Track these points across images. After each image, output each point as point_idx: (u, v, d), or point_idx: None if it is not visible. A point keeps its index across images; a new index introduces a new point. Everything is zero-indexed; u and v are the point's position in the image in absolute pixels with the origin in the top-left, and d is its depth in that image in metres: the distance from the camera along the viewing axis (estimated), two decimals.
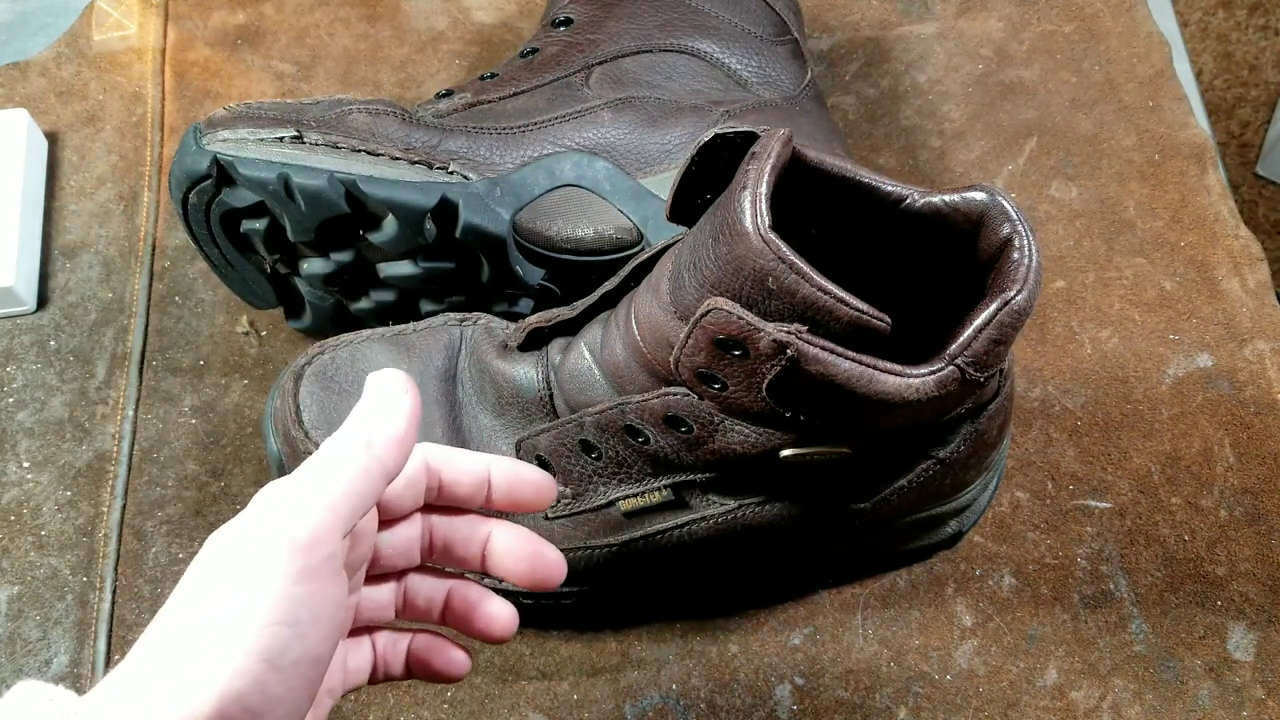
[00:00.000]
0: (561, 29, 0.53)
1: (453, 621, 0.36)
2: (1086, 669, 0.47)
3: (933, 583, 0.49)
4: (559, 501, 0.43)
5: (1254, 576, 0.48)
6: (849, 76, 0.63)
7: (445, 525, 0.36)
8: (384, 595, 0.36)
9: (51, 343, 0.55)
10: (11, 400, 0.54)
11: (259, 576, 0.27)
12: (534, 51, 0.53)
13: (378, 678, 0.36)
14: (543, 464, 0.43)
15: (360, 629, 0.36)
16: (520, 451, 0.43)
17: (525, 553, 0.35)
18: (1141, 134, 0.60)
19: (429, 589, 0.36)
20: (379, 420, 0.31)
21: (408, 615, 0.36)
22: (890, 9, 0.65)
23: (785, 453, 0.38)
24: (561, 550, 0.43)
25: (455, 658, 0.36)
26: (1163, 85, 0.62)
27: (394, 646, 0.36)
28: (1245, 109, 1.27)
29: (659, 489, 0.41)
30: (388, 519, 0.35)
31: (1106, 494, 0.50)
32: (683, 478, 0.41)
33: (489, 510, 0.36)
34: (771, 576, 0.48)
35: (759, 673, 0.47)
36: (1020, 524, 0.50)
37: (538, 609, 0.46)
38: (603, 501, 0.42)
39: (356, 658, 0.35)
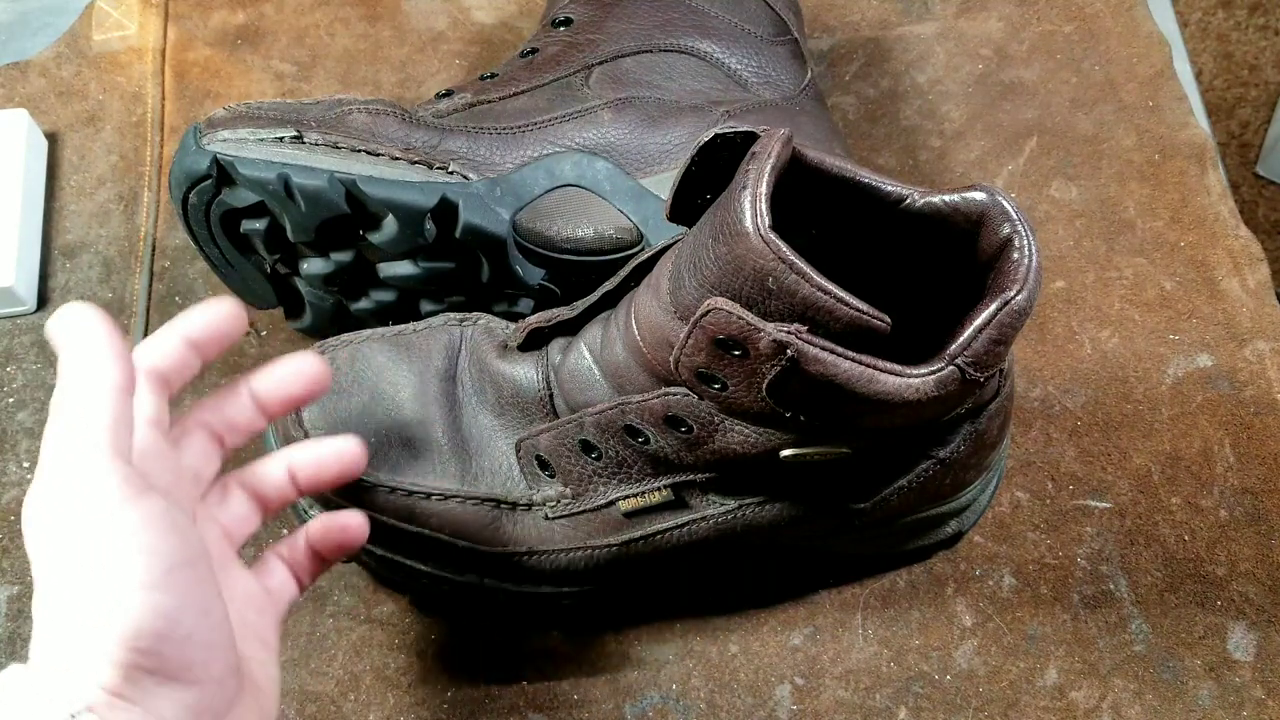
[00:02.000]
0: (561, 29, 0.53)
1: (308, 485, 0.38)
2: (1086, 669, 0.47)
3: (933, 583, 0.49)
4: (559, 501, 0.43)
5: (1254, 576, 0.48)
6: (849, 76, 0.63)
7: (215, 411, 0.38)
8: (240, 508, 0.38)
9: None
10: (11, 400, 0.54)
11: (95, 517, 0.29)
12: (534, 51, 0.53)
13: (304, 582, 0.38)
14: (542, 464, 0.43)
15: (243, 544, 0.38)
16: (520, 451, 0.43)
17: (287, 370, 0.38)
18: (1141, 134, 0.60)
19: (270, 473, 0.38)
20: (85, 348, 0.31)
21: (272, 509, 0.38)
22: (890, 9, 0.65)
23: (785, 453, 0.38)
24: (561, 550, 0.44)
25: (351, 521, 0.39)
26: (1163, 85, 0.62)
27: (295, 548, 0.39)
28: (1245, 109, 1.27)
29: (659, 489, 0.41)
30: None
31: (1106, 494, 0.50)
32: (683, 478, 0.41)
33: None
34: (771, 576, 0.48)
35: (759, 673, 0.47)
36: (1020, 524, 0.50)
37: (538, 609, 0.46)
38: (603, 501, 0.42)
39: (273, 579, 0.38)
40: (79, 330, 0.31)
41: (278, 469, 0.39)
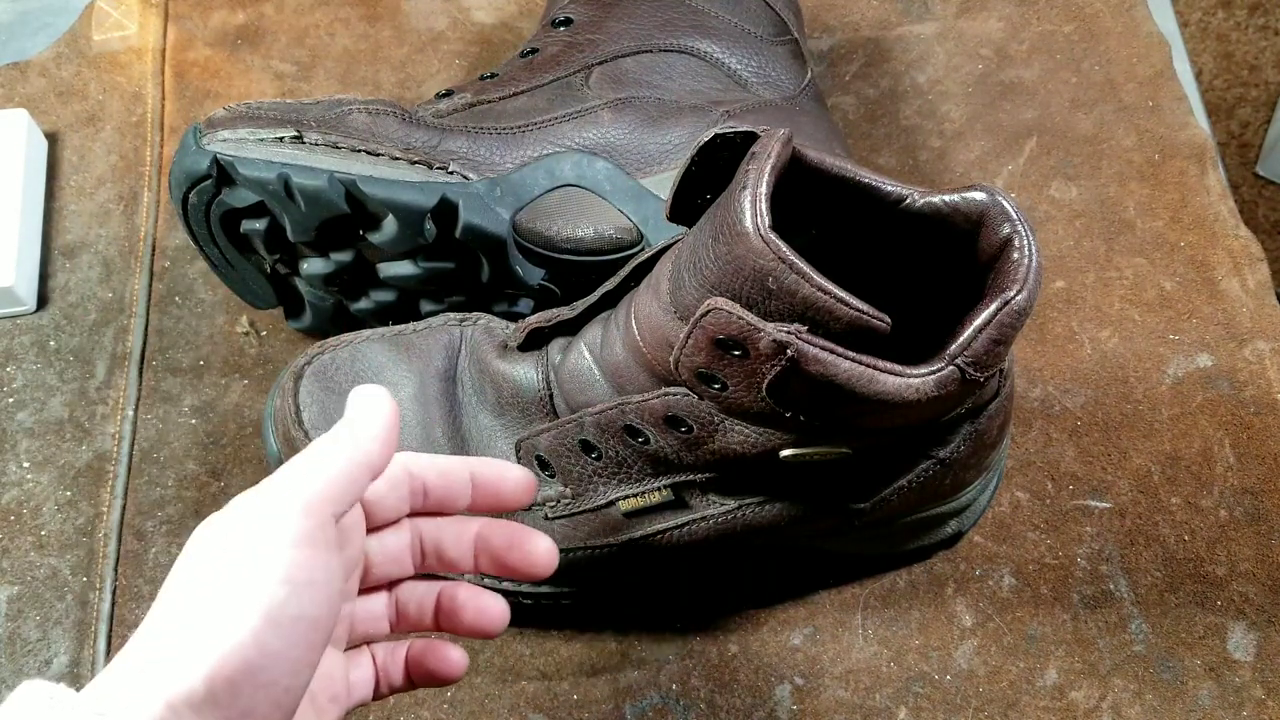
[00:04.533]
0: (561, 29, 0.53)
1: (446, 623, 0.37)
2: (1086, 669, 0.47)
3: (933, 583, 0.49)
4: (559, 501, 0.43)
5: (1254, 576, 0.48)
6: (849, 76, 0.63)
7: (433, 529, 0.37)
8: (378, 607, 0.37)
9: (51, 343, 0.55)
10: (11, 400, 0.54)
11: (260, 538, 0.29)
12: (534, 51, 0.53)
13: (381, 691, 0.37)
14: (542, 464, 0.43)
15: (358, 643, 0.37)
16: (520, 451, 0.43)
17: (515, 542, 0.36)
18: (1141, 134, 0.60)
19: (420, 594, 0.37)
20: (363, 419, 0.32)
21: (402, 626, 0.37)
22: (890, 9, 0.65)
23: (785, 453, 0.38)
24: (561, 550, 0.43)
25: (452, 657, 0.37)
26: (1163, 85, 0.62)
27: (392, 656, 0.37)
28: (1245, 109, 1.27)
29: (659, 489, 0.41)
30: (376, 525, 0.35)
31: (1106, 494, 0.50)
32: (683, 478, 0.41)
33: (476, 512, 0.37)
34: (771, 576, 0.48)
35: (759, 673, 0.47)
36: (1020, 524, 0.50)
37: (538, 609, 0.46)
38: (603, 501, 0.42)
39: (358, 672, 0.36)
40: (368, 407, 0.32)
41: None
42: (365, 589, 0.36)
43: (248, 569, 0.28)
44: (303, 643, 0.29)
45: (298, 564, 0.29)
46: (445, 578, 0.37)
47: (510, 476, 0.37)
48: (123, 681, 0.28)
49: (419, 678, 0.37)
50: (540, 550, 0.36)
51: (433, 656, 0.36)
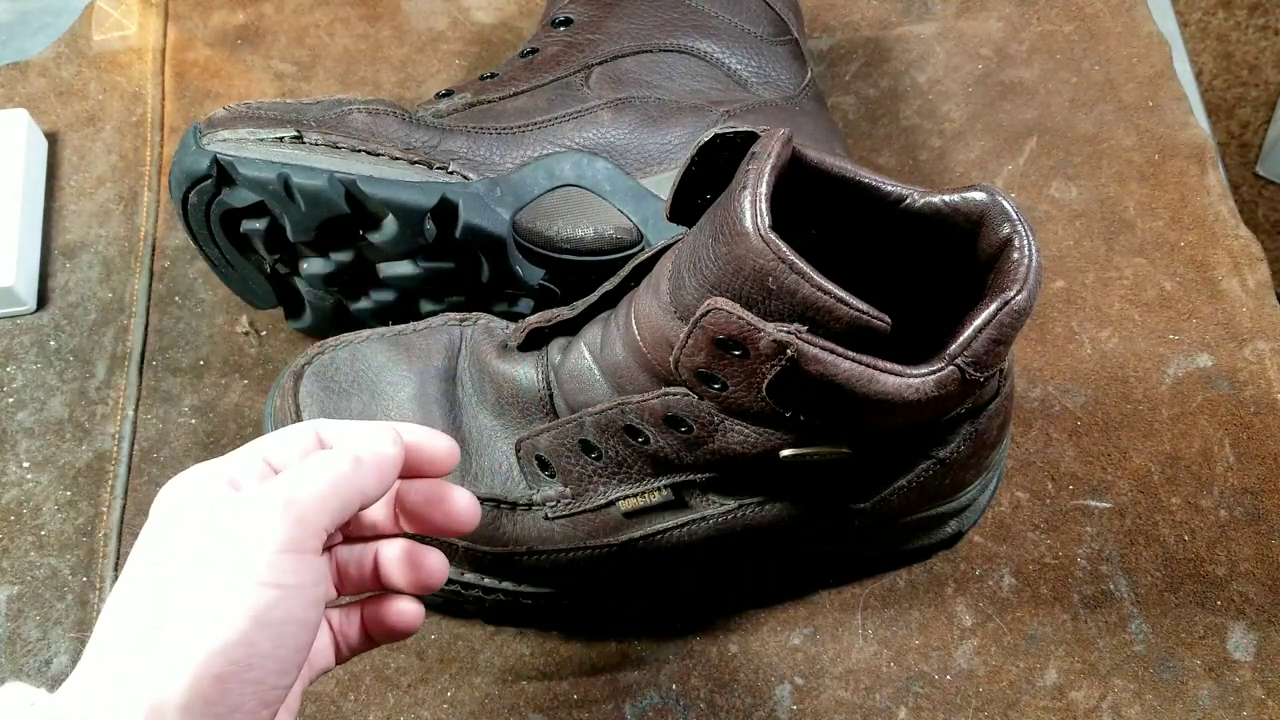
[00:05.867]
0: (561, 29, 0.53)
1: (385, 580, 0.37)
2: (1086, 669, 0.47)
3: (933, 583, 0.49)
4: (559, 501, 0.43)
5: (1254, 576, 0.48)
6: (849, 76, 0.63)
7: (342, 551, 0.37)
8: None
9: (51, 343, 0.55)
10: (11, 400, 0.54)
11: (251, 538, 0.29)
12: (534, 51, 0.53)
13: (342, 654, 0.37)
14: (542, 464, 0.43)
15: None
16: (520, 451, 0.43)
17: (435, 498, 0.36)
18: (1141, 134, 0.60)
19: (357, 554, 0.37)
20: (371, 452, 0.32)
21: (346, 589, 0.37)
22: (890, 9, 0.65)
23: (785, 453, 0.38)
24: (561, 550, 0.43)
25: (406, 609, 0.37)
26: (1163, 85, 0.62)
27: (348, 619, 0.37)
28: (1245, 109, 1.27)
29: (659, 489, 0.41)
30: None
31: (1106, 494, 0.50)
32: (683, 478, 0.41)
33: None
34: (771, 576, 0.48)
35: (759, 673, 0.47)
36: (1020, 524, 0.50)
37: (538, 609, 0.46)
38: (603, 501, 0.42)
39: (316, 640, 0.36)
40: (380, 443, 0.33)
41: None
42: None
43: (233, 570, 0.29)
44: (291, 643, 0.29)
45: (288, 568, 0.29)
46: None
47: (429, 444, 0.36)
48: (101, 684, 0.28)
49: (378, 635, 0.37)
50: (462, 504, 0.36)
51: (387, 612, 0.37)
